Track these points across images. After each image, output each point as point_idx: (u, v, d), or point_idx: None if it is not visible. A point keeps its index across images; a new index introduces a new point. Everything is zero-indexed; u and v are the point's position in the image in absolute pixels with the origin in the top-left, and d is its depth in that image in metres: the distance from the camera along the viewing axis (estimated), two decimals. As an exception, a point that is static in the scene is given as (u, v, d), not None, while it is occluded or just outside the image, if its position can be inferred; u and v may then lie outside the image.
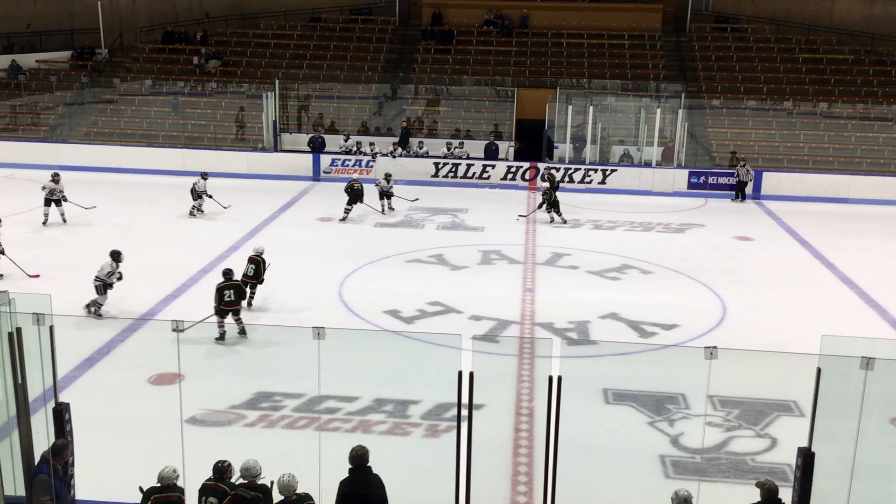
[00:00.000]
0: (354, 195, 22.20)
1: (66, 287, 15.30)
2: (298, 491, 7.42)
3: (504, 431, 10.93)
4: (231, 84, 31.61)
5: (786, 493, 7.67)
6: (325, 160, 27.94)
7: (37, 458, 8.05)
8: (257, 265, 14.82)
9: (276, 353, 13.21)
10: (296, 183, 26.96)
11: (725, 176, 26.97)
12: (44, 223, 20.50)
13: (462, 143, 28.60)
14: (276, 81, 29.72)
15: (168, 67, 33.00)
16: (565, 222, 22.27)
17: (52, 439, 8.10)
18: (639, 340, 14.23)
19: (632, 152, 28.52)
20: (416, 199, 23.83)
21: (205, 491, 7.63)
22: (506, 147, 29.21)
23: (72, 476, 8.17)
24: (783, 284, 17.74)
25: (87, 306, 14.41)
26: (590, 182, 27.31)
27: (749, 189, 26.43)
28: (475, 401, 7.52)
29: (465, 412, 7.59)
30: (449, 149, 28.35)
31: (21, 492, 8.09)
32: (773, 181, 26.80)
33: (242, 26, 35.44)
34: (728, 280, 17.66)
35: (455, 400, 7.54)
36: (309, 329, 7.87)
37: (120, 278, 14.63)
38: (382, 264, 18.38)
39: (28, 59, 33.60)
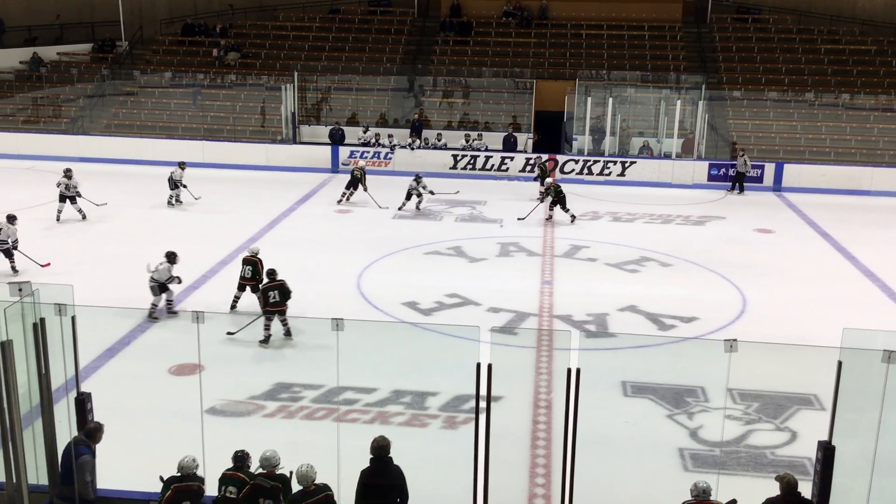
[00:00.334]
0: (352, 181, 23.32)
1: (87, 278, 15.44)
2: (317, 481, 7.46)
3: (522, 424, 10.93)
4: (250, 76, 31.70)
5: (806, 487, 7.63)
6: (343, 152, 27.98)
7: (59, 447, 8.14)
8: (254, 265, 14.24)
9: (294, 344, 13.26)
10: (314, 175, 27.02)
11: (746, 168, 26.78)
12: (57, 220, 20.37)
13: (480, 135, 28.55)
14: (295, 73, 29.77)
15: (188, 60, 33.14)
16: (574, 219, 21.58)
17: (75, 428, 8.20)
18: (658, 333, 14.18)
19: (651, 144, 28.36)
20: (458, 192, 23.68)
21: (224, 480, 7.69)
22: (524, 139, 29.13)
23: (93, 464, 8.26)
24: (804, 277, 17.62)
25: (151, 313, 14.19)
26: (609, 174, 27.21)
27: (771, 180, 26.23)
28: (493, 393, 7.52)
29: (483, 404, 7.59)
30: (467, 141, 28.31)
31: (44, 480, 8.19)
32: (794, 173, 26.59)
33: (261, 18, 35.54)
34: (748, 273, 17.55)
35: (473, 392, 7.54)
36: (328, 320, 7.90)
37: (179, 282, 14.37)
38: (401, 256, 18.41)
39: (49, 52, 33.86)
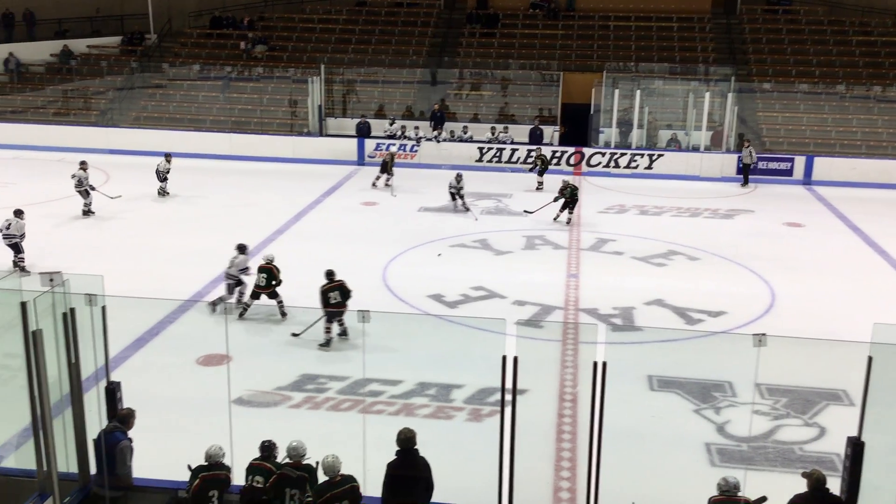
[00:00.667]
0: (382, 166, 24.20)
1: (117, 268, 15.58)
2: (342, 472, 7.49)
3: (547, 417, 10.92)
4: (277, 69, 31.82)
5: (834, 483, 7.56)
6: (369, 144, 28.03)
7: (89, 436, 8.24)
8: (269, 273, 13.85)
9: (320, 335, 13.32)
10: (341, 167, 27.10)
11: (776, 161, 26.50)
12: (88, 213, 20.35)
13: (506, 128, 28.47)
14: (322, 66, 29.85)
15: (216, 52, 33.34)
16: (569, 222, 20.59)
17: (104, 417, 8.29)
18: (685, 327, 14.09)
19: (679, 137, 28.14)
20: (477, 220, 21.09)
21: (251, 470, 7.75)
22: (550, 131, 29.01)
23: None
24: (834, 271, 17.42)
25: (238, 310, 14.13)
26: (636, 167, 27.04)
27: (801, 173, 25.93)
28: (519, 386, 7.51)
29: (508, 397, 7.59)
30: (493, 133, 28.24)
31: (73, 468, 8.30)
32: (824, 166, 26.26)
33: (289, 11, 35.64)
34: (777, 267, 17.38)
35: (498, 384, 7.54)
36: (353, 312, 7.92)
37: (246, 272, 14.27)
38: (426, 248, 18.42)
39: (79, 45, 34.21)
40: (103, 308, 8.05)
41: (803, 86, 29.62)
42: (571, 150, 27.53)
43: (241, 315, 13.73)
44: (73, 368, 8.12)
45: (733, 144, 27.52)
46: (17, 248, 16.24)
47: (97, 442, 8.00)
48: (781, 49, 31.50)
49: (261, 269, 13.93)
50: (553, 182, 23.16)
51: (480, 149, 27.67)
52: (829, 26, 32.19)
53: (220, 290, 14.51)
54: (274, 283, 13.83)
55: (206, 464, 7.72)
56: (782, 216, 21.96)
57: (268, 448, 7.87)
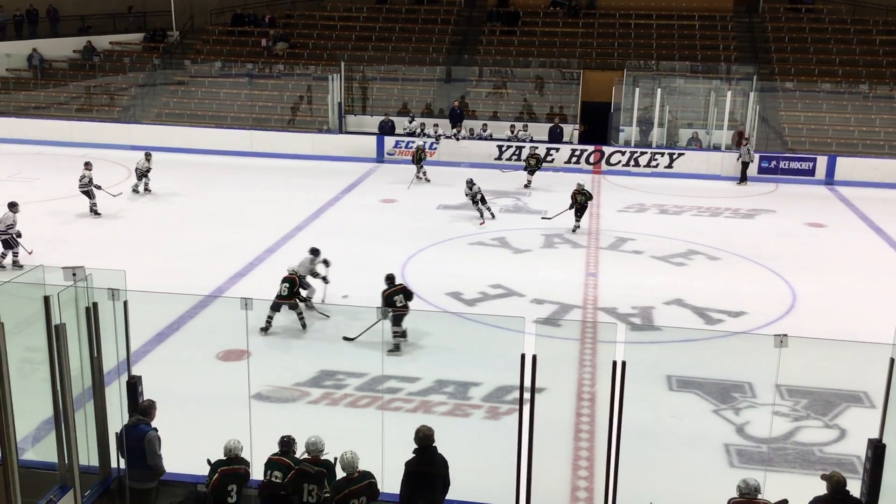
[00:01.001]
0: (415, 161, 24.93)
1: (139, 263, 15.69)
2: (360, 468, 7.52)
3: (565, 415, 10.90)
4: (298, 66, 31.92)
5: (854, 485, 7.50)
6: (388, 142, 28.07)
7: (110, 429, 8.31)
8: (292, 283, 13.45)
9: (339, 332, 13.35)
10: (360, 164, 27.16)
11: (798, 161, 26.30)
12: (96, 213, 20.11)
13: (526, 126, 28.41)
14: (342, 63, 29.91)
15: (237, 50, 33.49)
16: (576, 229, 19.66)
17: (126, 411, 8.36)
18: (705, 327, 14.02)
19: (700, 136, 27.98)
20: (482, 223, 20.24)
21: (270, 465, 7.79)
22: (570, 130, 28.93)
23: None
24: (856, 272, 17.27)
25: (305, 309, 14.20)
26: (656, 166, 26.91)
27: (823, 173, 25.73)
28: (537, 384, 7.50)
29: (526, 395, 7.58)
30: (513, 131, 28.20)
31: (94, 461, 8.37)
32: (847, 166, 26.03)
33: (309, 9, 35.74)
34: (798, 267, 17.26)
35: (516, 383, 7.53)
36: (373, 309, 7.95)
37: (315, 276, 14.30)
38: (445, 246, 18.43)
39: (102, 41, 34.47)
40: (125, 303, 8.12)
41: (826, 85, 29.36)
42: (591, 148, 27.44)
43: (265, 329, 13.19)
44: (95, 362, 8.20)
45: (755, 144, 27.32)
46: (6, 245, 16.06)
47: (121, 436, 8.05)
48: (804, 48, 31.24)
49: (284, 280, 13.50)
50: (628, 181, 23.09)
51: (500, 147, 27.64)
52: (852, 25, 31.89)
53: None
54: (296, 293, 13.46)
55: (224, 458, 7.77)
56: (804, 216, 21.79)
57: (286, 443, 7.90)
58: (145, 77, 32.67)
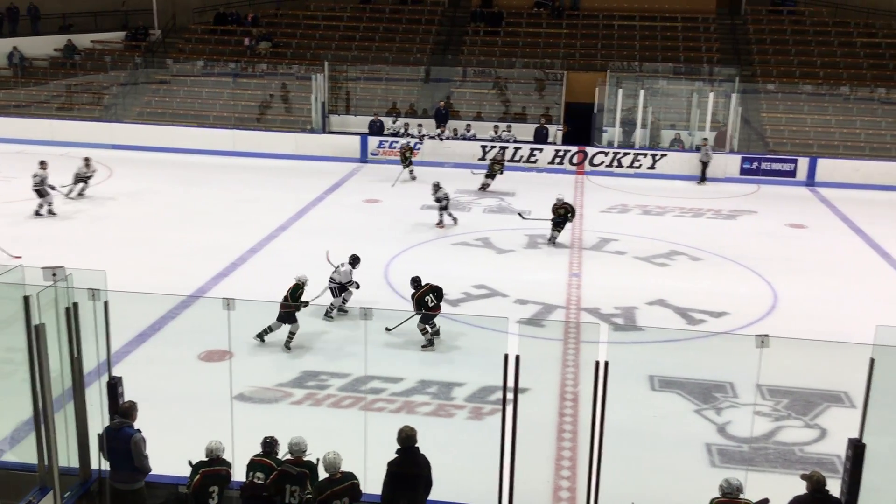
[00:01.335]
0: (402, 160, 24.95)
1: (120, 263, 15.59)
2: (343, 469, 7.50)
3: (548, 416, 10.92)
4: (281, 66, 31.81)
5: (835, 485, 7.55)
6: (372, 142, 28.02)
7: (91, 430, 8.25)
8: (294, 290, 13.00)
9: (322, 332, 13.33)
10: (344, 164, 27.10)
11: (779, 162, 26.49)
12: (50, 212, 19.75)
13: (509, 127, 28.46)
14: (326, 63, 29.84)
15: (219, 49, 33.35)
16: (553, 241, 18.81)
17: (106, 412, 8.30)
18: (687, 327, 14.09)
19: (683, 137, 28.11)
20: (443, 227, 19.93)
21: (252, 466, 7.76)
22: (554, 130, 28.98)
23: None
24: (836, 273, 17.40)
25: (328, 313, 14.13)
26: (639, 167, 27.00)
27: (805, 174, 25.92)
28: (520, 384, 7.51)
29: (510, 395, 7.59)
30: (496, 132, 28.23)
31: (74, 462, 8.31)
32: (827, 168, 26.22)
33: (293, 8, 35.64)
34: (780, 268, 17.37)
35: (499, 383, 7.54)
36: (356, 309, 7.93)
37: (357, 287, 14.12)
38: (429, 246, 18.42)
39: (83, 40, 34.22)
40: (106, 303, 8.06)
41: (807, 87, 29.57)
42: (574, 149, 27.51)
43: (261, 336, 12.91)
44: (76, 363, 8.13)
45: (737, 145, 27.50)
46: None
47: (105, 439, 7.98)
48: (786, 50, 31.46)
49: (290, 289, 13.10)
50: (612, 182, 22.90)
51: (483, 147, 27.65)
52: (833, 27, 32.15)
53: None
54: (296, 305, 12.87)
55: (206, 459, 7.73)
56: (785, 217, 21.94)
57: (269, 444, 7.87)
58: (127, 76, 32.46)
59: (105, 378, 8.42)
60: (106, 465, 8.12)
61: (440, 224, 19.97)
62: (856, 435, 7.56)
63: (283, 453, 7.84)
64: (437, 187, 19.98)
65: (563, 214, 18.68)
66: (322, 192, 23.35)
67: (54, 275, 7.69)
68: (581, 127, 29.06)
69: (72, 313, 7.94)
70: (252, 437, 8.02)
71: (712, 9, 33.47)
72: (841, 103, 29.11)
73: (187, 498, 7.76)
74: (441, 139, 27.99)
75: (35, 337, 7.45)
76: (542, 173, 27.00)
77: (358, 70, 31.46)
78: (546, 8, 33.95)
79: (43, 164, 19.95)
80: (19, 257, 16.02)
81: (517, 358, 7.38)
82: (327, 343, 13.10)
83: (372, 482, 7.70)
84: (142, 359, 12.19)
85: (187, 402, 10.97)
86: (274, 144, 28.14)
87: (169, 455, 8.32)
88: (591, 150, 27.44)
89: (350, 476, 7.49)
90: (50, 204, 19.74)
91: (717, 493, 7.43)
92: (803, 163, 26.35)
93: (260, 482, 7.64)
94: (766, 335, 7.34)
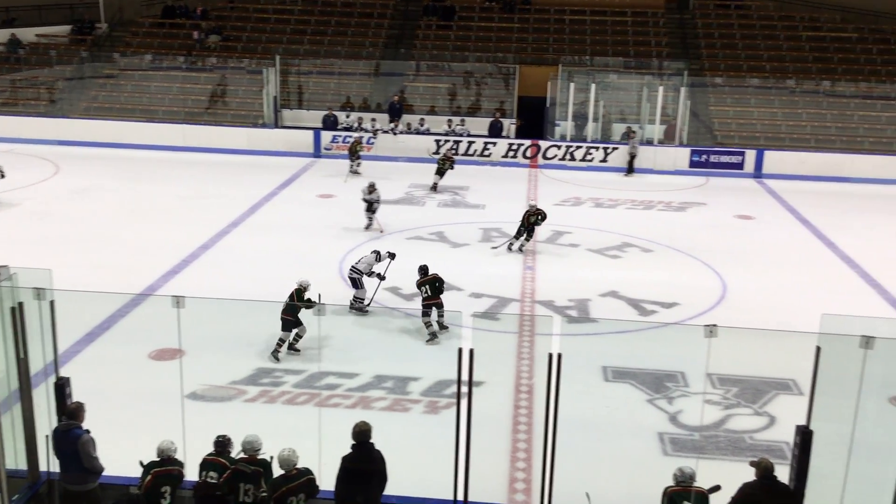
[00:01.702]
0: (350, 154, 24.56)
1: (67, 261, 15.30)
2: (298, 466, 7.46)
3: (504, 408, 10.98)
4: (231, 60, 31.43)
5: (783, 471, 7.71)
6: (325, 136, 27.84)
7: (39, 431, 8.09)
8: (290, 299, 12.46)
9: (276, 329, 13.20)
10: (297, 159, 26.88)
11: (727, 154, 26.91)
12: None
13: (463, 121, 28.49)
14: (277, 57, 29.55)
15: (168, 42, 32.82)
16: (513, 248, 17.96)
17: (54, 413, 8.14)
18: (639, 318, 14.25)
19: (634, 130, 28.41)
20: (382, 231, 19.01)
21: (205, 465, 7.68)
22: (507, 124, 29.08)
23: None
24: (783, 263, 17.74)
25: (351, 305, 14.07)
26: (591, 160, 27.23)
27: (752, 166, 26.37)
28: (475, 378, 7.54)
29: (464, 389, 7.61)
30: (450, 126, 28.25)
31: (22, 465, 8.15)
32: (774, 160, 26.73)
33: (243, 1, 35.20)
34: (729, 259, 17.66)
35: (455, 377, 7.56)
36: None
37: (371, 275, 14.10)
38: (383, 241, 18.33)
39: (28, 34, 33.41)
40: (52, 302, 7.91)
41: (754, 80, 30.09)
42: (528, 142, 27.65)
43: (274, 353, 12.46)
44: (22, 364, 7.97)
45: (686, 138, 27.87)
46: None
47: (53, 440, 7.82)
48: (733, 44, 31.94)
49: (291, 297, 12.61)
50: (565, 175, 22.81)
51: (437, 141, 27.65)
52: (779, 21, 32.71)
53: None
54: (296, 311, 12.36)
55: (158, 459, 7.63)
56: (733, 209, 22.30)
57: (221, 443, 7.80)
58: (73, 70, 31.78)
59: (52, 379, 8.26)
60: (55, 467, 7.97)
61: (369, 225, 19.00)
62: (803, 422, 7.72)
63: (236, 452, 7.77)
64: (371, 188, 19.02)
65: (533, 223, 17.72)
66: (275, 187, 23.15)
67: (-2, 274, 7.52)
68: (534, 121, 29.21)
69: (17, 313, 7.78)
70: (205, 436, 7.94)
71: (661, 4, 33.84)
72: (787, 96, 29.66)
73: (139, 498, 7.66)
74: (395, 133, 27.92)
75: (-21, 338, 7.29)
76: (496, 167, 27.09)
77: (310, 64, 31.21)
78: (498, 2, 34.01)
79: None
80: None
81: (471, 352, 7.41)
82: (282, 343, 12.99)
83: (327, 479, 7.66)
84: (90, 359, 11.97)
85: (138, 401, 10.80)
86: (225, 139, 27.79)
87: (119, 455, 8.20)
88: (544, 144, 27.60)
89: (306, 472, 7.46)
90: None
91: (670, 482, 7.55)
92: (751, 155, 26.82)
93: (213, 481, 7.56)
94: (715, 325, 7.46)
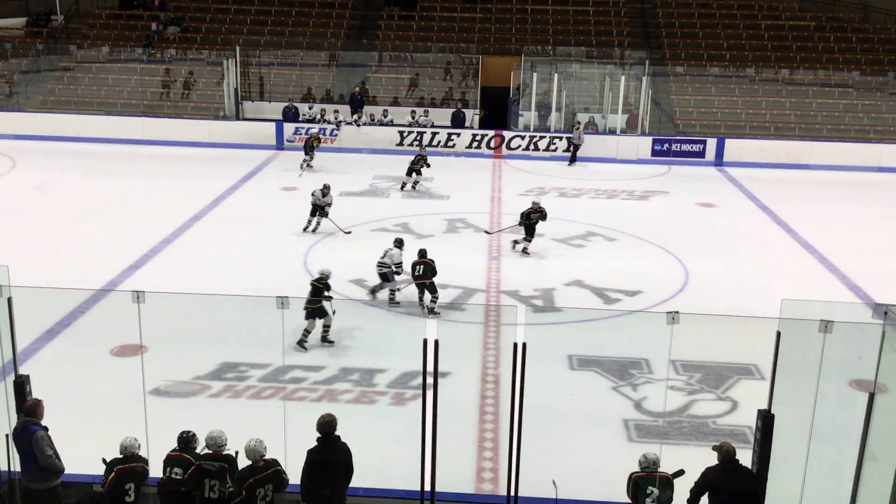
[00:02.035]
0: (305, 149, 24.08)
1: (26, 257, 15.06)
2: (266, 457, 7.41)
3: (470, 398, 11.00)
4: (191, 51, 31.03)
5: (746, 455, 7.81)
6: (288, 128, 27.64)
7: (-2, 431, 7.96)
8: (317, 292, 12.50)
9: (240, 323, 13.09)
10: (259, 152, 26.65)
11: (688, 143, 27.17)
12: None
13: (427, 112, 28.43)
14: (237, 48, 29.25)
15: (126, 34, 32.31)
16: (519, 250, 17.41)
17: (14, 412, 8.00)
18: (603, 307, 14.35)
19: (596, 120, 28.57)
20: (349, 232, 18.28)
21: (169, 462, 7.59)
22: (471, 115, 29.08)
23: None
24: (745, 250, 17.97)
25: (372, 291, 14.25)
26: (555, 150, 27.32)
27: (713, 154, 26.64)
28: (441, 368, 7.53)
29: (430, 380, 7.60)
30: (413, 117, 28.18)
31: (-18, 465, 8.00)
32: (735, 147, 27.04)
33: (202, -8, 34.77)
34: (691, 246, 17.84)
35: (421, 368, 7.55)
36: (273, 299, 7.83)
37: (401, 269, 14.25)
38: (350, 237, 18.27)
39: (-20, 26, 32.76)
40: (9, 299, 7.76)
41: (714, 69, 30.40)
42: (491, 133, 27.68)
43: (301, 342, 12.45)
44: (-21, 362, 7.82)
45: (648, 127, 28.08)
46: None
47: (13, 438, 7.69)
48: (693, 33, 32.21)
49: (312, 284, 12.67)
50: (528, 165, 22.68)
51: (401, 133, 27.58)
52: (738, 10, 33.02)
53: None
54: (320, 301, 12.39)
55: (121, 456, 7.54)
56: (695, 197, 22.52)
57: (185, 439, 7.71)
58: (29, 63, 31.20)
59: (11, 377, 8.12)
60: (17, 466, 7.84)
61: (309, 228, 18.07)
62: (765, 406, 7.82)
63: (201, 448, 7.69)
64: (325, 191, 17.98)
65: (536, 221, 17.20)
66: (237, 180, 22.93)
67: (-47, 272, 7.37)
68: (497, 111, 29.24)
69: (-27, 311, 7.62)
70: (169, 433, 7.84)
71: (622, -7, 34.02)
72: (747, 84, 30.02)
73: (103, 496, 7.56)
74: (358, 125, 27.80)
75: (-66, 337, 7.13)
76: (460, 158, 27.08)
77: (271, 55, 30.94)
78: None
79: None
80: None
81: (436, 342, 7.39)
82: (247, 334, 12.88)
83: (294, 472, 7.62)
84: (51, 356, 11.79)
85: (100, 398, 10.66)
86: (186, 132, 27.47)
87: (82, 453, 8.08)
88: (507, 134, 27.65)
89: (273, 463, 7.42)
90: None
91: (635, 468, 7.62)
92: (712, 143, 27.12)
93: (178, 477, 7.48)
94: (677, 312, 7.52)
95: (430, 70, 31.09)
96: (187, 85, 30.00)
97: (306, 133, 27.04)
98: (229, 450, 7.62)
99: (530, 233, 17.25)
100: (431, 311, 13.53)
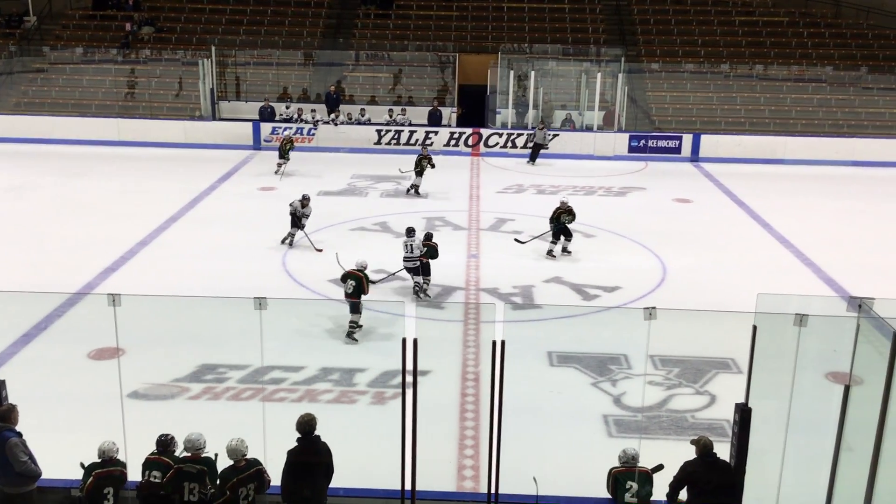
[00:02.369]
0: (279, 151, 23.50)
1: (1, 261, 14.93)
2: (247, 456, 7.39)
3: (450, 397, 11.01)
4: (166, 51, 30.82)
5: (724, 448, 7.87)
6: (265, 128, 27.52)
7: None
8: (359, 281, 12.69)
9: (219, 324, 13.02)
10: (236, 152, 26.51)
11: (665, 139, 27.33)
12: None
13: (404, 110, 28.40)
14: (213, 48, 29.08)
15: (100, 35, 32.02)
16: (564, 251, 17.12)
17: (-11, 418, 7.91)
18: (582, 303, 14.41)
19: (573, 117, 28.68)
20: (321, 250, 17.00)
21: (148, 465, 7.56)
22: (448, 113, 29.09)
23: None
24: (721, 245, 18.10)
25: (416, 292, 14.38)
26: (532, 147, 27.35)
27: (689, 150, 26.80)
28: (421, 367, 7.53)
29: (410, 379, 7.61)
30: (391, 115, 28.15)
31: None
32: (711, 143, 27.21)
33: (177, -9, 34.50)
34: (668, 242, 17.95)
35: (401, 367, 7.55)
36: (251, 300, 7.80)
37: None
38: (326, 233, 18.22)
39: (-49, 27, 32.33)
40: (-16, 304, 7.69)
41: (689, 65, 30.56)
42: (469, 131, 27.70)
43: (419, 294, 13.83)
44: (-47, 368, 7.73)
45: (624, 124, 28.21)
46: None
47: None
48: (668, 30, 32.37)
49: (349, 276, 12.78)
50: (506, 162, 22.69)
51: (378, 131, 27.54)
52: (713, 6, 33.22)
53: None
54: (361, 293, 12.61)
55: (99, 461, 7.49)
56: (672, 193, 22.66)
57: (164, 442, 7.67)
58: (1, 65, 30.83)
59: (-14, 382, 8.03)
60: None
61: (286, 241, 17.22)
62: (742, 400, 7.89)
63: (179, 450, 7.66)
64: (304, 202, 17.15)
65: (568, 222, 16.78)
66: (214, 180, 22.81)
67: (-75, 277, 7.28)
68: (475, 109, 29.26)
69: (-53, 316, 7.54)
70: (148, 436, 7.81)
71: (598, -10, 34.13)
72: (722, 81, 30.19)
73: (81, 501, 7.51)
74: (336, 124, 27.72)
75: None
76: (438, 156, 27.02)
77: (247, 55, 30.77)
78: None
79: None
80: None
81: (415, 341, 7.40)
82: (226, 335, 12.82)
83: (274, 474, 7.60)
84: (27, 360, 11.68)
85: (78, 402, 10.58)
86: (162, 133, 27.29)
87: (60, 458, 8.01)
88: (485, 132, 27.68)
89: (255, 462, 7.41)
90: None
91: (615, 463, 7.66)
92: (687, 139, 27.28)
93: (157, 481, 7.45)
94: (654, 307, 7.57)
95: (406, 69, 31.04)
96: (163, 86, 29.77)
97: (283, 132, 26.97)
98: (208, 452, 7.59)
99: (567, 234, 16.85)
100: (422, 292, 13.79)
